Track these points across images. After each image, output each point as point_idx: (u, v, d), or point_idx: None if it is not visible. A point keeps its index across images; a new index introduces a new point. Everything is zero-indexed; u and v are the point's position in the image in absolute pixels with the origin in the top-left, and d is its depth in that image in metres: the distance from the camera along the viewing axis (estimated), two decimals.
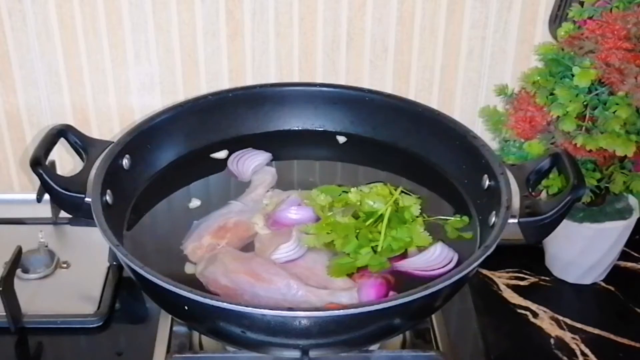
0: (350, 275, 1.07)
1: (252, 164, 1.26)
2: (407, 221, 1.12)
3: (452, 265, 1.08)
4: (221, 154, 1.28)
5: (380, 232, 1.10)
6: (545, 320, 1.24)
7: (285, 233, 1.12)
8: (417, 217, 1.13)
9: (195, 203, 1.20)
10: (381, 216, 1.11)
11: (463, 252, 1.10)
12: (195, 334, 1.18)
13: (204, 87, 1.41)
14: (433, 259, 1.08)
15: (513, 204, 1.07)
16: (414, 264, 1.08)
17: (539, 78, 1.20)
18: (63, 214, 1.27)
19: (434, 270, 1.07)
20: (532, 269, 1.33)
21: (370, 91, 1.31)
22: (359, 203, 1.14)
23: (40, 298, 1.25)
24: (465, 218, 1.15)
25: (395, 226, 1.11)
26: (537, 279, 1.32)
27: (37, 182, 1.10)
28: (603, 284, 1.31)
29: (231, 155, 1.27)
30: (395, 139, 1.29)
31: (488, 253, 1.01)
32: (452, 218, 1.16)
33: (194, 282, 1.06)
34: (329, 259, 1.09)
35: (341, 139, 1.31)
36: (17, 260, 1.20)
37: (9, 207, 1.45)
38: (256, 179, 1.23)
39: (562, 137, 1.16)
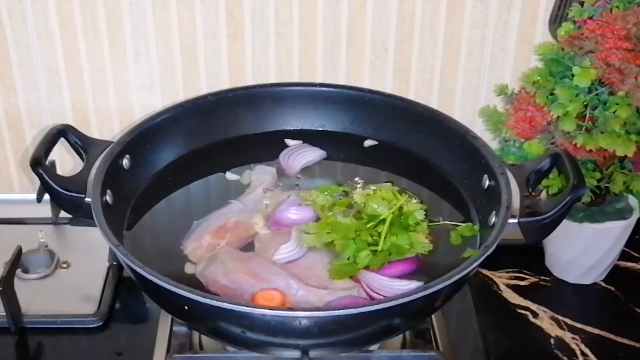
0: (351, 277, 1.07)
1: (302, 159, 1.26)
2: (410, 227, 1.12)
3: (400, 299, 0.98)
4: (294, 142, 1.29)
5: (380, 235, 1.10)
6: (545, 320, 1.24)
7: (285, 233, 1.11)
8: (422, 221, 1.13)
9: (233, 176, 1.23)
10: (383, 220, 1.11)
11: (462, 252, 1.10)
12: (195, 334, 1.18)
13: (204, 87, 1.41)
14: (398, 287, 1.04)
15: (513, 204, 1.07)
16: (374, 279, 1.06)
17: (539, 78, 1.20)
18: (63, 214, 1.27)
19: (381, 294, 1.04)
20: (532, 268, 1.33)
21: (370, 91, 1.31)
22: (362, 205, 1.14)
23: (40, 298, 1.25)
24: (476, 227, 1.13)
25: (396, 232, 1.10)
26: (537, 279, 1.32)
27: (37, 182, 1.10)
28: (603, 284, 1.31)
29: (285, 149, 1.28)
30: (395, 139, 1.29)
31: (488, 253, 1.01)
32: (462, 225, 1.14)
33: (194, 282, 1.06)
34: (329, 259, 1.09)
35: (368, 143, 1.31)
36: (17, 260, 1.20)
37: (9, 207, 1.45)
38: (256, 179, 1.23)
39: (562, 137, 1.16)
